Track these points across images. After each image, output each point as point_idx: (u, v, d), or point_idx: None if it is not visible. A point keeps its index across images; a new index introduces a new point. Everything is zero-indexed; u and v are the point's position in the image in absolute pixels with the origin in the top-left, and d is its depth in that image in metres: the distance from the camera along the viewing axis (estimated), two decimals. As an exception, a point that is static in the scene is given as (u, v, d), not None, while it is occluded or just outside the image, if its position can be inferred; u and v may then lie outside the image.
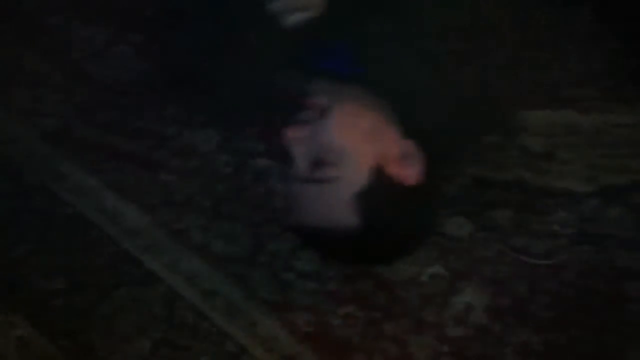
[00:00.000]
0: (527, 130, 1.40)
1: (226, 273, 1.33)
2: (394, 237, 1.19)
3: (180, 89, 1.44)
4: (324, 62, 1.23)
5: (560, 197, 1.36)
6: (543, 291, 1.30)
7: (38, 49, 1.53)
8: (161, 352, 1.29)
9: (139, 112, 1.44)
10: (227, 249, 1.35)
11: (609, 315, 1.27)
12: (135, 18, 1.51)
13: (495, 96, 1.34)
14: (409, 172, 1.15)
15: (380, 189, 1.14)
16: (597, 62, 1.42)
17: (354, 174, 1.14)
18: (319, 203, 1.14)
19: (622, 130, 1.38)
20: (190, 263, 1.35)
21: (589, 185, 1.36)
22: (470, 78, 1.27)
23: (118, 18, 1.52)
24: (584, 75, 1.41)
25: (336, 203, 1.13)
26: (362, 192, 1.13)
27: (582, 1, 1.38)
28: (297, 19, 1.13)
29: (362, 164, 1.14)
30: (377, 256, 1.23)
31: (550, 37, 1.41)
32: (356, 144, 1.14)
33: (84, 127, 1.44)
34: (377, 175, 1.14)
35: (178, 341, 1.29)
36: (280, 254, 1.34)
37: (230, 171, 1.41)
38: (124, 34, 1.50)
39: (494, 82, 1.31)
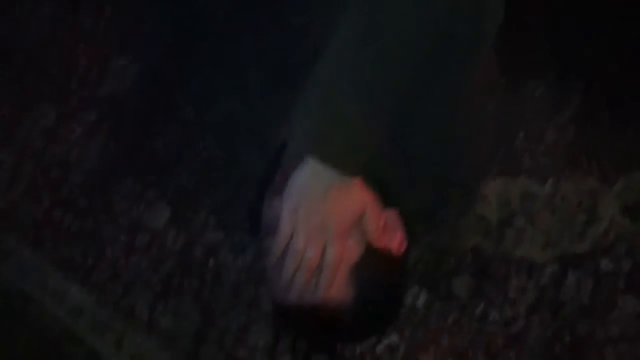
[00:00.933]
0: (484, 199, 1.40)
1: (173, 352, 1.28)
2: (380, 311, 1.15)
3: (131, 166, 1.43)
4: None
5: (518, 265, 1.36)
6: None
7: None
8: None
9: (87, 189, 1.42)
10: (174, 325, 1.31)
11: (571, 383, 1.23)
12: (87, 98, 1.52)
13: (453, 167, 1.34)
14: (392, 242, 1.13)
15: (370, 262, 1.09)
16: (551, 133, 1.43)
17: (344, 250, 1.08)
18: (313, 285, 1.09)
19: (577, 197, 1.39)
20: (136, 341, 1.30)
21: (547, 252, 1.36)
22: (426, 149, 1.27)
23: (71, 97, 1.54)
24: (539, 146, 1.43)
25: (331, 283, 1.08)
26: (353, 268, 1.08)
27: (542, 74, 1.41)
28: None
29: (352, 239, 1.08)
30: (363, 330, 1.19)
31: (506, 109, 1.43)
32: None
33: (31, 205, 1.42)
34: (367, 251, 1.08)
35: None
36: (230, 329, 1.30)
37: (180, 246, 1.38)
38: (75, 113, 1.50)
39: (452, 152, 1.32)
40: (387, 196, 1.11)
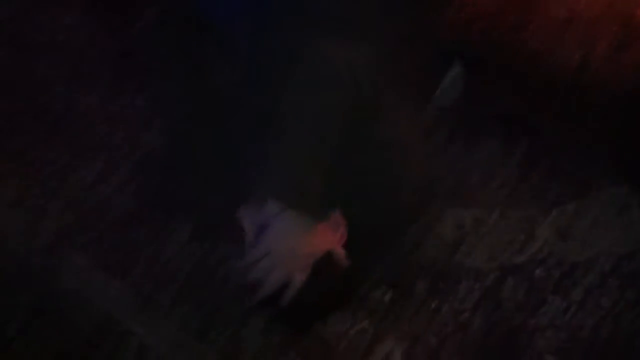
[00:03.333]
0: (442, 222, 1.68)
1: (190, 331, 1.62)
2: (326, 295, 1.46)
3: (156, 209, 1.77)
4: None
5: (467, 272, 1.63)
6: (450, 342, 1.56)
7: (39, 182, 1.86)
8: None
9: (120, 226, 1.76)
10: (192, 313, 1.65)
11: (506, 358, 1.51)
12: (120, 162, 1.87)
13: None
14: (337, 238, 1.47)
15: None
16: (500, 174, 1.74)
17: None
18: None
19: (519, 223, 1.67)
20: (161, 323, 1.63)
21: (491, 263, 1.63)
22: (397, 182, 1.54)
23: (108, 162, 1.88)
24: (490, 184, 1.72)
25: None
26: None
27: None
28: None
29: None
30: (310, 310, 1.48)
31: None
32: None
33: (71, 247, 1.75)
34: None
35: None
36: (235, 317, 1.63)
37: (198, 256, 1.72)
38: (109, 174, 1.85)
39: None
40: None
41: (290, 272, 1.36)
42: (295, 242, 1.37)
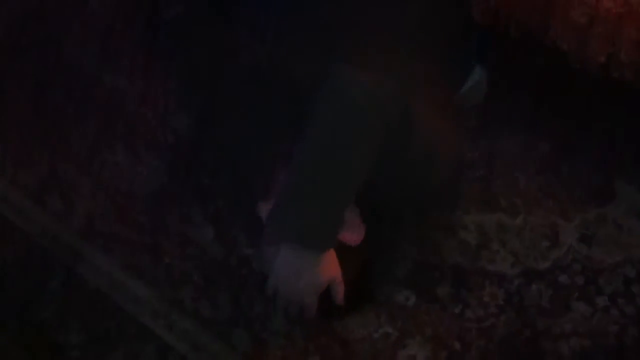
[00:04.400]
0: (466, 228, 1.68)
1: (212, 331, 1.61)
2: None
3: (182, 196, 1.78)
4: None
5: (491, 277, 1.62)
6: (474, 347, 1.55)
7: (72, 162, 1.89)
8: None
9: (148, 213, 1.78)
10: (213, 313, 1.64)
11: (530, 364, 1.48)
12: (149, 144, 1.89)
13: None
14: (353, 236, 1.47)
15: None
16: (522, 180, 1.74)
17: None
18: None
19: (543, 229, 1.67)
20: (184, 324, 1.63)
21: (515, 268, 1.63)
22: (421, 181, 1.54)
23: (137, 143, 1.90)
24: (512, 190, 1.73)
25: None
26: None
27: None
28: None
29: None
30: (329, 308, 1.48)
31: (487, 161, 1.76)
32: None
33: (105, 224, 1.78)
34: None
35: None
36: (257, 318, 1.62)
37: (221, 257, 1.72)
38: (140, 155, 1.87)
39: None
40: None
41: (300, 301, 1.38)
42: (299, 281, 1.37)
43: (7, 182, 1.86)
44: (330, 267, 1.38)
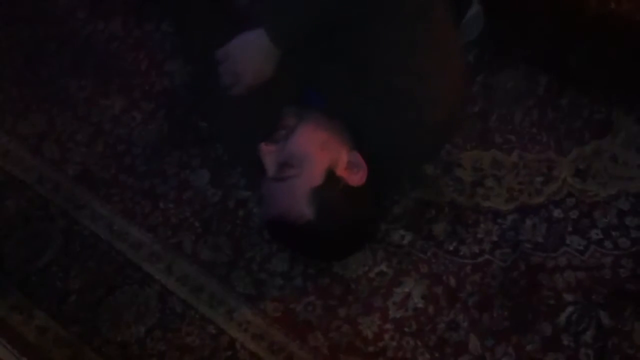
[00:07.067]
0: (461, 165, 1.69)
1: (211, 274, 1.63)
2: (343, 231, 1.48)
3: (180, 142, 1.80)
4: (306, 100, 1.59)
5: (486, 213, 1.63)
6: (469, 282, 1.57)
7: (68, 113, 1.90)
8: (154, 334, 1.58)
9: (145, 159, 1.79)
10: (212, 256, 1.66)
11: (525, 298, 1.53)
12: (147, 91, 1.90)
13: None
14: (354, 176, 1.48)
15: (331, 187, 1.45)
16: (518, 115, 1.74)
17: (310, 174, 1.44)
18: (282, 198, 1.45)
19: (537, 165, 1.67)
20: (182, 268, 1.65)
21: (509, 204, 1.64)
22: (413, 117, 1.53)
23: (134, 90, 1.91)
24: (507, 125, 1.72)
25: (296, 197, 1.44)
26: (316, 188, 1.44)
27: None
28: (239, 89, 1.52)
29: (317, 167, 1.45)
30: (329, 249, 1.51)
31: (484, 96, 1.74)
32: (313, 151, 1.46)
33: (101, 170, 1.78)
34: (329, 175, 1.45)
35: (169, 325, 1.58)
36: (255, 259, 1.64)
37: (217, 200, 1.73)
38: (137, 102, 1.87)
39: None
40: (361, 141, 1.44)
41: (236, 69, 1.48)
42: (245, 52, 1.47)
43: (5, 133, 1.86)
44: (267, 63, 1.49)
